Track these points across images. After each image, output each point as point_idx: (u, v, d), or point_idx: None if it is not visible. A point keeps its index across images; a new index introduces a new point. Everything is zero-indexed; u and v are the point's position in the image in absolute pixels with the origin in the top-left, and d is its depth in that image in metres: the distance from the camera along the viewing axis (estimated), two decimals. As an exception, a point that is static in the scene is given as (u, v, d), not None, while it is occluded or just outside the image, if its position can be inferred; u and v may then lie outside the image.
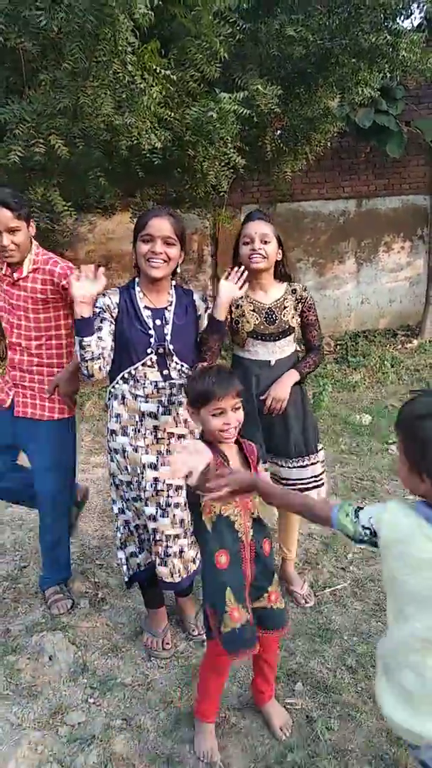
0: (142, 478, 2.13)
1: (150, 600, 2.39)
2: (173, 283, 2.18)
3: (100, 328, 2.04)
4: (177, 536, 2.17)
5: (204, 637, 2.14)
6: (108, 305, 2.08)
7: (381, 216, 7.59)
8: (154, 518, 2.15)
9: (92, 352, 1.96)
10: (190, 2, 3.54)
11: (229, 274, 2.17)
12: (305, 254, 7.66)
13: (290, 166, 5.85)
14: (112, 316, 2.08)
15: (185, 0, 3.51)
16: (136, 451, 2.11)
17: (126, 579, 2.30)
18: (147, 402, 2.09)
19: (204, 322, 2.19)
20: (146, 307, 2.11)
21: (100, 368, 2.01)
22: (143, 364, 2.07)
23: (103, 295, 2.08)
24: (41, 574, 2.70)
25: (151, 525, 2.16)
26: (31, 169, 4.15)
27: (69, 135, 3.70)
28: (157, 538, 2.15)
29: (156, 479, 2.13)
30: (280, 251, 2.37)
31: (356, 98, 4.84)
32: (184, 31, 3.78)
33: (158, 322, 2.10)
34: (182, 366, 2.12)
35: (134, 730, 1.96)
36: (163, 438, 2.12)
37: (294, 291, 2.42)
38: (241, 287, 2.16)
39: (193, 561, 2.24)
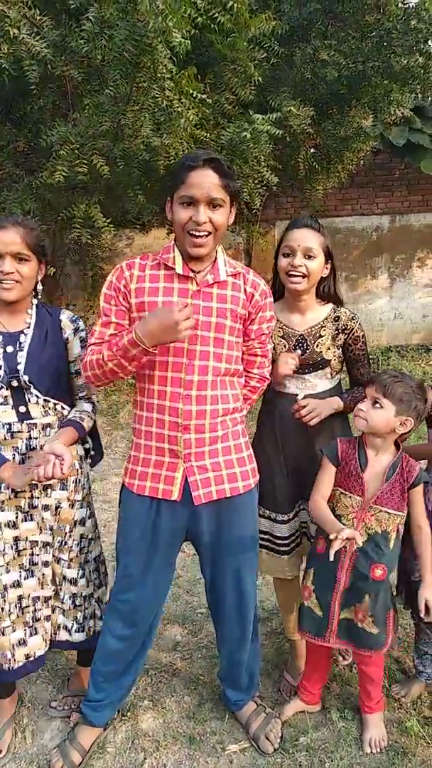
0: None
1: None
2: (34, 302, 1.83)
3: None
4: (48, 598, 1.86)
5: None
6: None
7: (414, 232, 7.65)
8: (18, 584, 1.79)
9: None
10: (226, 29, 3.75)
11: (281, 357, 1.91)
12: (337, 269, 7.77)
13: (323, 184, 6.00)
14: None
15: (221, 27, 3.71)
16: None
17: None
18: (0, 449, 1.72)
19: (74, 347, 1.83)
20: None
21: None
22: None
23: None
24: (234, 697, 2.00)
25: (15, 593, 1.79)
26: (74, 188, 4.39)
27: (110, 155, 3.93)
28: (23, 605, 1.81)
29: (16, 538, 1.76)
30: (327, 267, 1.98)
31: (389, 118, 4.99)
32: (220, 56, 3.99)
33: (10, 348, 1.73)
34: (46, 401, 1.75)
35: (159, 711, 2.08)
36: (23, 492, 1.75)
37: (337, 319, 1.97)
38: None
39: (91, 618, 1.93)
